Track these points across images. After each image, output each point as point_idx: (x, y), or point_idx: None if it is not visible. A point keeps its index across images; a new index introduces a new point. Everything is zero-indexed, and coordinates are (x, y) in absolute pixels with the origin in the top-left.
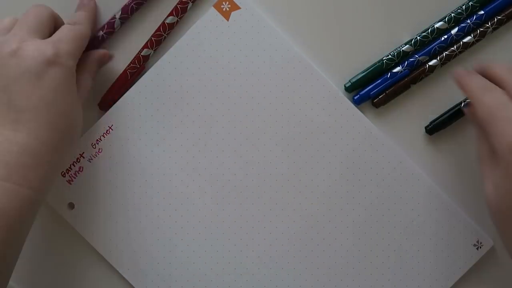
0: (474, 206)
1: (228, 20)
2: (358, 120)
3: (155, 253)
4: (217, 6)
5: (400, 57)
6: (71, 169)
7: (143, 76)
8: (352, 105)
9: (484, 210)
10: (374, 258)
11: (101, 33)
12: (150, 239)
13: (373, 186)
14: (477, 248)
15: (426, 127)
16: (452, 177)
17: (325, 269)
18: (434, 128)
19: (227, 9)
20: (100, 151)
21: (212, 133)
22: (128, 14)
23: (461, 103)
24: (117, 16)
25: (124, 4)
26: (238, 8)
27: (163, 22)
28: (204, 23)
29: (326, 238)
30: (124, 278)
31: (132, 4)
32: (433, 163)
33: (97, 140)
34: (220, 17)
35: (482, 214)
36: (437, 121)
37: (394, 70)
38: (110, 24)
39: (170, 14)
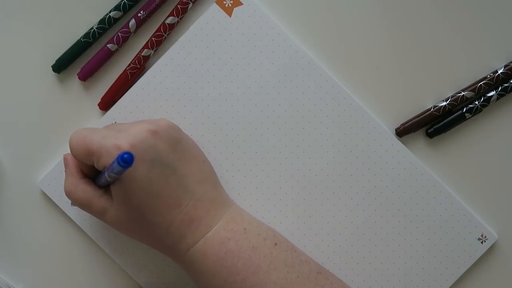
0: (478, 201)
1: (230, 16)
2: (362, 115)
3: None
4: (220, 2)
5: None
6: None
7: (147, 72)
8: (355, 99)
9: (487, 204)
10: (379, 252)
11: (115, 47)
12: None
13: (376, 181)
14: (482, 242)
15: (426, 130)
16: (454, 178)
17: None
18: (434, 132)
19: (230, 5)
20: None
21: (216, 130)
22: (141, 24)
23: (462, 108)
24: (132, 30)
25: (135, 14)
26: (241, 4)
27: (163, 22)
28: (207, 20)
29: (330, 233)
30: (129, 275)
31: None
32: (434, 166)
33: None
34: (223, 13)
35: (486, 209)
36: (438, 125)
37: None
38: (124, 38)
39: (171, 14)
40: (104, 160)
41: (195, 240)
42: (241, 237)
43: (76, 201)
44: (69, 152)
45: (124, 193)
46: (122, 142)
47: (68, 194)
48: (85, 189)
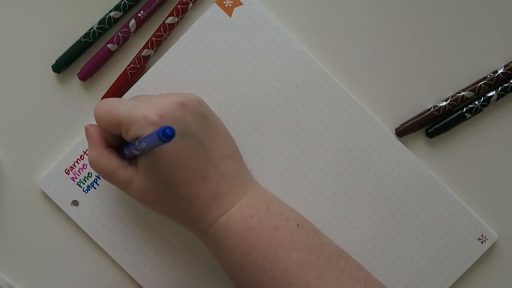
0: (478, 201)
1: (230, 16)
2: (362, 115)
3: (160, 250)
4: (220, 2)
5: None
6: (75, 166)
7: (147, 72)
8: (355, 99)
9: (487, 204)
10: (379, 252)
11: (115, 47)
12: (154, 236)
13: (376, 181)
14: (482, 242)
15: (426, 130)
16: (454, 178)
17: None
18: (434, 132)
19: (230, 5)
20: None
21: None
22: (141, 24)
23: (462, 108)
24: (132, 30)
25: (135, 14)
26: (241, 4)
27: (163, 22)
28: (207, 20)
29: (330, 233)
30: (129, 275)
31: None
32: (434, 166)
33: None
34: (223, 13)
35: (486, 209)
36: (438, 125)
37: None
38: (124, 38)
39: (171, 14)
40: (134, 131)
41: (219, 215)
42: (264, 216)
43: (100, 171)
44: (88, 124)
45: (152, 164)
46: (150, 113)
47: (92, 164)
48: (110, 159)
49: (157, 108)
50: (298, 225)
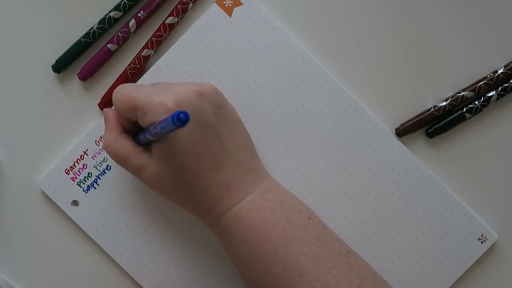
0: (478, 201)
1: (230, 16)
2: (362, 115)
3: (160, 250)
4: (220, 2)
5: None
6: (75, 166)
7: (147, 72)
8: (355, 99)
9: (487, 204)
10: (379, 252)
11: (115, 47)
12: (155, 236)
13: (376, 181)
14: (482, 242)
15: (426, 130)
16: (454, 178)
17: None
18: (434, 132)
19: (230, 5)
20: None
21: None
22: (141, 24)
23: (462, 108)
24: (132, 30)
25: (135, 14)
26: (241, 4)
27: (163, 22)
28: (207, 20)
29: None
30: (129, 275)
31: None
32: (434, 166)
33: (100, 137)
34: (223, 13)
35: (486, 209)
36: (438, 125)
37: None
38: (124, 38)
39: (171, 14)
40: (150, 117)
41: (231, 205)
42: (276, 207)
43: (114, 155)
44: (107, 108)
45: (166, 151)
46: (167, 100)
47: (107, 148)
48: (124, 144)
49: (174, 96)
50: (309, 218)
